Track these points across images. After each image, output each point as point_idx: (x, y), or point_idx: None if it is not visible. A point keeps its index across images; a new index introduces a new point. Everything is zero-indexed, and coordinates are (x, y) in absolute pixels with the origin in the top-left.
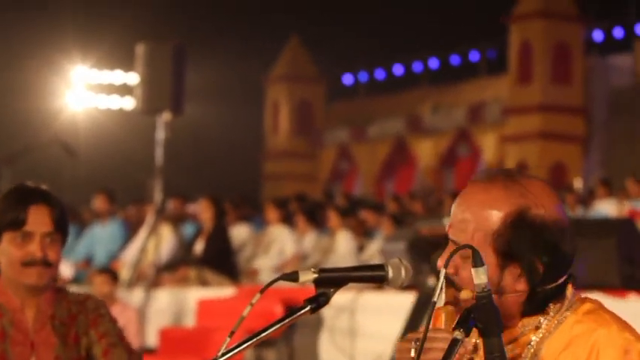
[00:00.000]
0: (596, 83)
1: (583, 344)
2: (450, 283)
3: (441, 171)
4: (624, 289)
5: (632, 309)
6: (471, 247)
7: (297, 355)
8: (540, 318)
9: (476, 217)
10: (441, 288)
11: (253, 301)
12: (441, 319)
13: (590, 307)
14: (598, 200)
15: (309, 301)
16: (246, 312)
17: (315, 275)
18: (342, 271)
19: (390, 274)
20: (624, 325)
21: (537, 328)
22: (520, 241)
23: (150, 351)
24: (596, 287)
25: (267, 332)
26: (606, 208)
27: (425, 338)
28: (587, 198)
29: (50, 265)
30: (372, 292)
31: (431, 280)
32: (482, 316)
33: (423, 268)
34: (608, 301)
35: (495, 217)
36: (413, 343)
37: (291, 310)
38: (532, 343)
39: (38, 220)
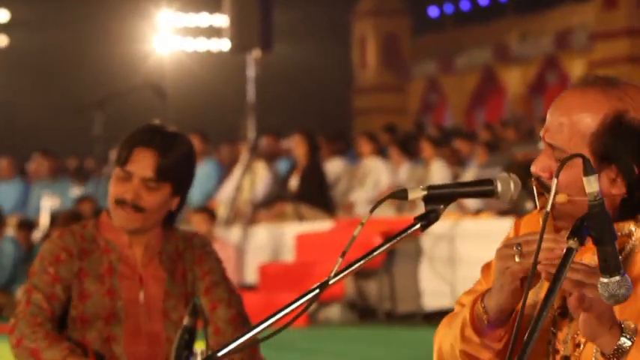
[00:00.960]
0: None
1: None
2: (544, 188)
3: (530, 99)
4: None
5: None
6: (582, 155)
7: (398, 284)
8: (632, 226)
9: (573, 119)
10: (537, 194)
11: (364, 220)
12: (532, 223)
13: None
14: None
15: (419, 218)
16: (357, 231)
17: (424, 192)
18: (450, 187)
19: (499, 188)
20: None
21: (629, 236)
22: (617, 144)
23: (250, 287)
24: None
25: (373, 254)
26: None
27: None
28: None
29: (142, 210)
30: (470, 219)
31: (529, 205)
32: (596, 225)
33: (521, 192)
34: None
35: (593, 119)
36: (515, 248)
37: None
38: (625, 250)
39: (140, 162)
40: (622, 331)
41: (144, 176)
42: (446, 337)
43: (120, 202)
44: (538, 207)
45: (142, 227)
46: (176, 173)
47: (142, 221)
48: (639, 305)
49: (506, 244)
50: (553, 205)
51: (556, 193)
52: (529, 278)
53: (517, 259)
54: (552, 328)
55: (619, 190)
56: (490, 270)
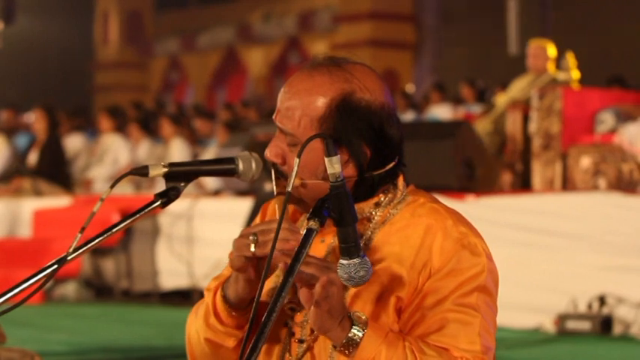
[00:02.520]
0: None
1: (418, 233)
2: (279, 173)
3: (272, 80)
4: (462, 190)
5: (470, 210)
6: (323, 135)
7: (135, 263)
8: (372, 210)
9: (302, 103)
10: (275, 179)
11: (103, 196)
12: (275, 211)
13: (423, 201)
14: (433, 105)
15: (160, 195)
16: (96, 207)
17: (166, 169)
18: (192, 164)
19: (241, 166)
20: (459, 218)
21: (369, 219)
22: (346, 126)
23: None
24: (435, 189)
25: (113, 231)
26: (440, 112)
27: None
28: (421, 103)
29: None
30: (209, 199)
31: (268, 186)
32: (336, 206)
33: (261, 172)
34: (448, 203)
35: (321, 102)
36: (250, 237)
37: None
38: (366, 235)
39: None
40: (352, 323)
41: None
42: (193, 324)
43: None
44: (275, 192)
45: None
46: None
47: None
48: (378, 289)
49: (243, 234)
50: (290, 192)
51: (296, 177)
52: (265, 269)
53: (252, 249)
54: (290, 311)
55: (351, 172)
56: None
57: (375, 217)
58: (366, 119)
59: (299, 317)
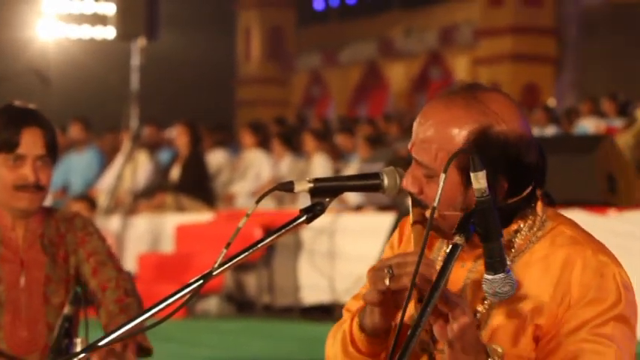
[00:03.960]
0: (568, 3)
1: (557, 264)
2: (416, 202)
3: (413, 94)
4: (604, 205)
5: (612, 224)
6: (469, 151)
7: (277, 278)
8: (512, 237)
9: (438, 136)
10: (412, 206)
11: (249, 212)
12: (410, 236)
13: (563, 229)
14: (582, 117)
15: (305, 210)
16: (242, 222)
17: (311, 185)
18: (337, 180)
19: (386, 181)
20: (599, 247)
21: (510, 247)
22: (482, 159)
23: None
24: (577, 204)
25: (258, 246)
26: (589, 124)
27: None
28: (564, 116)
29: (42, 189)
30: (351, 214)
31: (409, 201)
32: (482, 221)
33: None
34: (589, 218)
35: (458, 135)
36: (386, 271)
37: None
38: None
39: (31, 142)
40: (488, 356)
41: (37, 154)
42: (332, 348)
43: (22, 187)
44: (412, 221)
45: (39, 206)
46: (57, 145)
47: (41, 199)
48: (518, 316)
49: (377, 267)
50: (422, 221)
51: (425, 208)
52: (406, 301)
53: (387, 283)
54: (430, 337)
55: None
56: None
57: (516, 245)
58: (502, 151)
59: (440, 345)
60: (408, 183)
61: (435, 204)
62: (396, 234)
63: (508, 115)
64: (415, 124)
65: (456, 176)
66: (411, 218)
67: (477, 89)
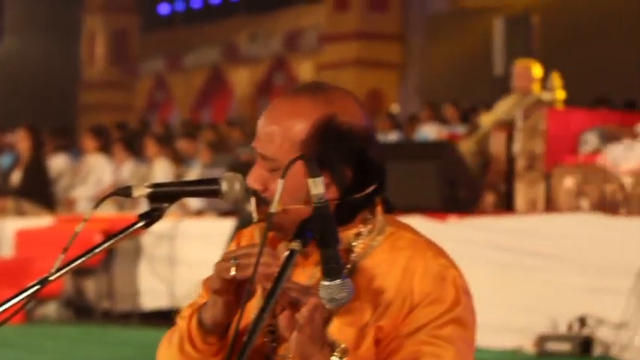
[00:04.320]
0: (413, 9)
1: (398, 268)
2: (260, 200)
3: (257, 100)
4: (445, 211)
5: (453, 231)
6: (306, 157)
7: (117, 283)
8: (353, 241)
9: (282, 127)
10: (256, 205)
11: (87, 216)
12: (255, 238)
13: (403, 233)
14: (423, 123)
15: (143, 215)
16: (79, 227)
17: (149, 190)
18: (176, 185)
19: (225, 187)
20: (439, 251)
21: (350, 251)
22: (328, 149)
23: None
24: (417, 210)
25: (96, 251)
26: (430, 131)
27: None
28: (409, 122)
29: None
30: (192, 219)
31: (250, 206)
32: (320, 227)
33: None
34: (429, 224)
35: (302, 125)
36: (231, 261)
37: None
38: (346, 266)
39: None
40: (332, 350)
41: None
42: (165, 352)
43: None
44: (256, 219)
45: None
46: None
47: None
48: (360, 319)
49: (224, 258)
50: (272, 215)
51: (279, 200)
52: (246, 292)
53: (233, 272)
54: (272, 343)
55: (333, 195)
56: None
57: (356, 249)
58: (348, 142)
59: (281, 350)
60: (252, 181)
61: (273, 210)
62: (232, 245)
63: (353, 109)
64: (260, 121)
65: (300, 167)
66: (254, 217)
67: (321, 85)
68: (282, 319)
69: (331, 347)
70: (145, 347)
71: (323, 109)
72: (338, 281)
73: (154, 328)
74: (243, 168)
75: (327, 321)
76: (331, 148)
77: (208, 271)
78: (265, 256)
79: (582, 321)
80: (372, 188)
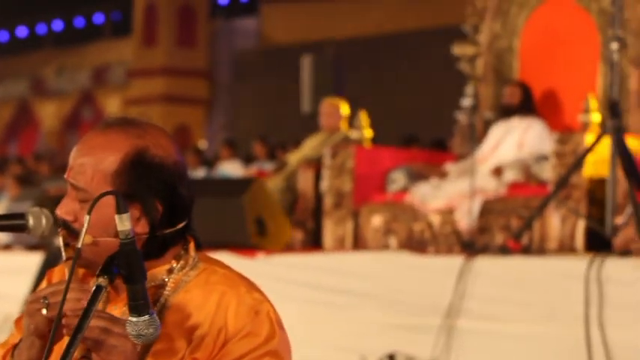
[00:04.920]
0: (221, 46)
1: (212, 302)
2: (71, 231)
3: (64, 134)
4: (253, 248)
5: (261, 268)
6: (114, 192)
7: None
8: (165, 277)
9: (95, 159)
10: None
11: None
12: (64, 274)
13: (216, 269)
14: (223, 161)
15: None
16: None
17: None
18: None
19: (31, 222)
20: (252, 286)
21: (162, 286)
22: (139, 181)
23: None
24: (225, 246)
25: None
26: (231, 168)
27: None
28: (212, 159)
29: None
30: (0, 253)
31: (58, 241)
32: (126, 263)
33: (52, 227)
34: (237, 260)
35: (114, 157)
36: (41, 301)
37: None
38: (160, 302)
39: None
40: None
41: None
42: None
43: None
44: (64, 257)
45: None
46: None
47: None
48: (175, 352)
49: (33, 299)
50: (80, 249)
51: (86, 234)
52: (52, 331)
53: (44, 312)
54: None
55: (143, 229)
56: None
57: (169, 284)
58: (159, 176)
59: None
60: (62, 211)
61: (79, 245)
62: (43, 284)
63: (165, 143)
64: (73, 152)
65: (110, 201)
66: (62, 253)
67: (134, 119)
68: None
69: None
70: None
71: (135, 142)
72: (145, 317)
73: None
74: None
75: (141, 357)
76: (142, 181)
77: (15, 304)
78: (74, 291)
79: (391, 358)
80: (182, 225)
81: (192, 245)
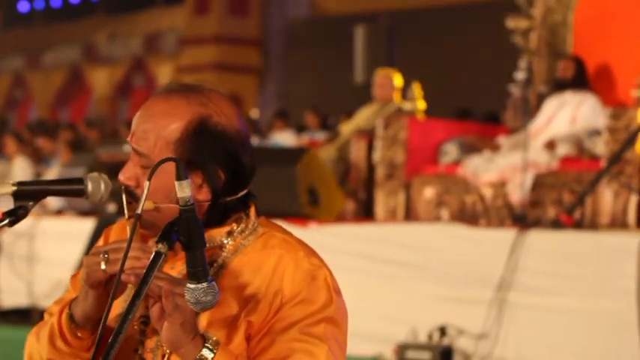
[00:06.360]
0: (274, 15)
1: (269, 265)
2: (132, 196)
3: (116, 100)
4: (305, 217)
5: (313, 237)
6: (175, 159)
7: None
8: (224, 238)
9: (157, 125)
10: (127, 202)
11: None
12: (124, 233)
13: (275, 233)
14: (275, 131)
15: (8, 213)
16: None
17: (14, 188)
18: (40, 184)
19: (90, 187)
20: (311, 251)
21: (221, 248)
22: (201, 149)
23: None
24: (278, 215)
25: None
26: (283, 138)
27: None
28: (264, 129)
29: None
30: (51, 218)
31: (111, 207)
32: (186, 230)
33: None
34: (290, 229)
35: (176, 124)
36: (101, 255)
37: None
38: (217, 263)
39: None
40: (204, 342)
41: None
42: (35, 347)
43: None
44: (127, 215)
45: None
46: None
47: None
48: (230, 315)
49: (93, 252)
50: (140, 215)
51: (146, 199)
52: (114, 287)
53: (103, 267)
54: (141, 337)
55: (205, 196)
56: (78, 278)
57: (228, 246)
58: (222, 144)
59: (150, 343)
60: (124, 176)
61: (139, 210)
62: (100, 241)
63: (228, 111)
64: (135, 117)
65: (172, 167)
66: (126, 213)
67: (197, 86)
68: (154, 311)
69: (203, 338)
70: (3, 344)
71: (197, 109)
72: (204, 284)
73: (12, 327)
74: (103, 168)
75: (197, 314)
76: (204, 149)
77: (67, 270)
78: (135, 250)
79: (442, 330)
80: (244, 192)
81: (252, 210)
